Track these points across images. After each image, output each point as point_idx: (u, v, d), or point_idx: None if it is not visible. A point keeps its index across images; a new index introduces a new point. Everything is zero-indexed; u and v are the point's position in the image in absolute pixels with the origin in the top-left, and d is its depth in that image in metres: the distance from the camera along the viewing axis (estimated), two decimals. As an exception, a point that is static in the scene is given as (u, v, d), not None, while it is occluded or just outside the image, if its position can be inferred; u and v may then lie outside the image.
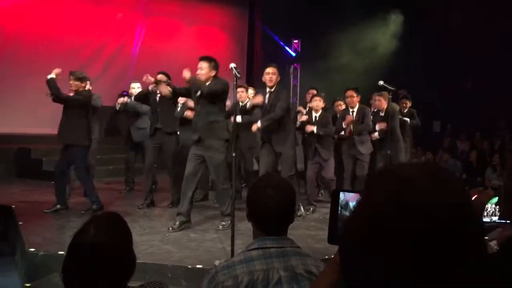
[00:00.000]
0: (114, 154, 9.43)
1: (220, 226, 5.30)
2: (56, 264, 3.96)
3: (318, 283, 1.23)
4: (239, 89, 6.79)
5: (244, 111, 6.49)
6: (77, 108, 5.88)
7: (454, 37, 11.98)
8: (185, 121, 6.32)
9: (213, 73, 5.19)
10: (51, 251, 4.30)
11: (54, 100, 5.94)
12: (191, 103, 6.07)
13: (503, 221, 1.52)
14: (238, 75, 4.53)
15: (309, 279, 1.69)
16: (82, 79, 5.97)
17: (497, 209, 1.54)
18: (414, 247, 0.71)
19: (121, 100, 7.40)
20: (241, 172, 7.09)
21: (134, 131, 7.30)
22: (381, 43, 12.64)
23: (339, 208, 1.20)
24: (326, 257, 3.63)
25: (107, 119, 9.93)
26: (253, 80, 12.32)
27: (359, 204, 0.82)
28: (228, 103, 6.08)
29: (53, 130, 8.84)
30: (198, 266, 4.10)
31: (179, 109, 6.68)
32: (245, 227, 5.04)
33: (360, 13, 11.62)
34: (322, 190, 7.59)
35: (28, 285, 4.08)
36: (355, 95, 6.53)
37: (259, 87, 6.05)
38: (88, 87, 6.36)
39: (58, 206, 5.88)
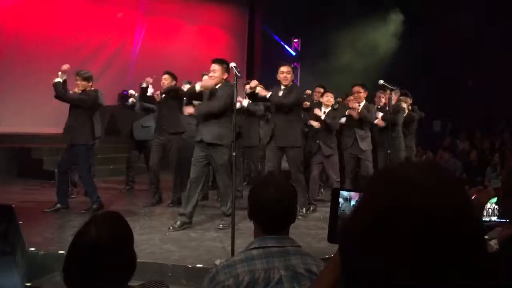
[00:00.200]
0: (114, 153, 9.43)
1: (221, 225, 5.31)
2: (56, 264, 3.96)
3: (319, 282, 1.23)
4: (246, 87, 6.83)
5: (248, 110, 6.57)
6: (84, 108, 5.89)
7: (454, 36, 11.99)
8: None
9: (225, 75, 5.18)
10: (51, 250, 4.30)
11: (57, 97, 5.93)
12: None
13: (503, 220, 1.53)
14: (238, 74, 4.55)
15: (310, 278, 1.69)
16: (88, 79, 5.98)
17: (497, 209, 1.54)
18: (414, 247, 0.71)
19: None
20: (241, 171, 7.10)
21: (138, 129, 7.28)
22: (381, 42, 12.64)
23: (339, 207, 1.20)
24: (327, 256, 3.63)
25: (108, 118, 9.95)
26: (253, 79, 12.31)
27: (359, 203, 0.82)
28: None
29: (53, 129, 8.89)
30: (198, 265, 4.10)
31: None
32: (246, 226, 5.05)
33: (360, 12, 11.61)
34: (323, 189, 7.59)
35: (28, 284, 4.08)
36: (362, 90, 6.58)
37: (269, 85, 6.10)
38: None
39: (59, 205, 5.89)
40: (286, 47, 14.43)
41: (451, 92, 12.60)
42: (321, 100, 6.71)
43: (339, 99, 7.36)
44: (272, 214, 1.75)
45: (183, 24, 12.63)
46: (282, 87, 5.74)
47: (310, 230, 5.35)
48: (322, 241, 4.65)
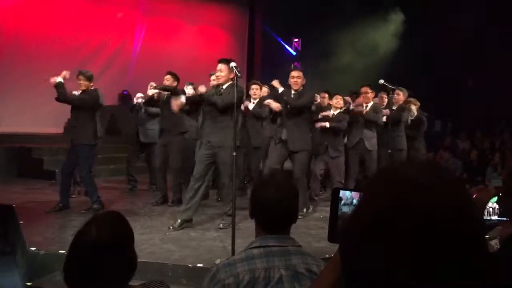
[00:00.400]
0: (115, 153, 9.43)
1: (221, 225, 5.31)
2: (57, 263, 3.97)
3: (319, 282, 1.23)
4: (253, 86, 6.88)
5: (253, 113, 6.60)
6: (85, 108, 5.89)
7: (454, 36, 11.99)
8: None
9: (231, 75, 5.17)
10: (52, 250, 4.30)
11: (58, 99, 5.94)
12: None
13: (503, 219, 1.53)
14: (239, 74, 4.56)
15: (310, 278, 1.69)
16: (90, 79, 5.99)
17: (497, 208, 1.54)
18: (414, 247, 0.71)
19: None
20: (240, 170, 7.10)
21: (143, 132, 7.27)
22: (381, 42, 12.63)
23: (340, 207, 1.21)
24: (327, 256, 3.63)
25: (108, 118, 9.95)
26: (253, 79, 12.32)
27: (360, 203, 0.82)
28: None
29: (53, 129, 8.91)
30: (198, 265, 4.10)
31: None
32: (246, 226, 5.05)
33: (360, 12, 11.61)
34: (323, 190, 7.59)
35: (29, 284, 4.08)
36: (370, 91, 6.63)
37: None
38: None
39: (61, 205, 5.90)
40: (287, 47, 14.43)
41: (451, 92, 12.60)
42: (330, 102, 6.75)
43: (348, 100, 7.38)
44: (273, 213, 1.75)
45: (183, 24, 12.63)
46: (293, 91, 5.80)
47: (310, 229, 5.35)
48: (322, 240, 4.65)
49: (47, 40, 10.11)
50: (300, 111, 5.79)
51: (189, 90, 6.98)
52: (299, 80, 5.79)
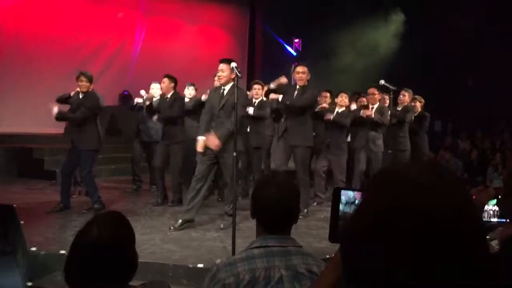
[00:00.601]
0: (115, 153, 9.44)
1: (222, 225, 5.31)
2: (57, 264, 3.97)
3: (319, 282, 1.23)
4: (255, 86, 6.88)
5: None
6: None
7: (454, 36, 11.98)
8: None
9: (233, 75, 5.16)
10: (52, 250, 4.31)
11: (62, 119, 6.01)
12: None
13: (503, 220, 1.53)
14: (239, 74, 4.56)
15: (311, 278, 1.70)
16: (91, 80, 5.99)
17: (496, 211, 1.54)
18: (414, 247, 0.71)
19: (145, 95, 7.12)
20: (241, 171, 7.11)
21: (145, 131, 7.25)
22: (381, 42, 12.63)
23: (342, 206, 1.21)
24: (327, 256, 3.63)
25: (108, 118, 9.94)
26: (254, 79, 12.33)
27: (361, 203, 0.82)
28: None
29: (54, 129, 8.90)
30: (199, 265, 4.10)
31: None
32: (247, 226, 5.06)
33: (361, 12, 11.61)
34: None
35: (29, 284, 4.09)
36: (376, 92, 6.66)
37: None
38: None
39: (61, 205, 5.90)
40: (287, 47, 14.42)
41: (451, 92, 12.60)
42: (336, 100, 6.77)
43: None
44: (273, 214, 1.76)
45: (183, 24, 12.63)
46: (297, 87, 5.81)
47: (311, 230, 5.35)
48: (323, 241, 4.66)
49: (47, 40, 10.11)
50: (303, 110, 5.78)
51: (190, 90, 6.99)
52: (304, 76, 5.78)
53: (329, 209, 1.22)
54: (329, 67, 11.43)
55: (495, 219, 1.53)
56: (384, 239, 0.73)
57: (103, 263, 1.45)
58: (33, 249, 4.33)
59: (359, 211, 0.81)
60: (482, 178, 9.60)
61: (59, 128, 9.12)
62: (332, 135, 6.42)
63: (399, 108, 7.05)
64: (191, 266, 4.11)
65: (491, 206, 1.53)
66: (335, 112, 6.49)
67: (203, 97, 6.47)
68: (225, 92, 5.19)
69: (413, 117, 7.12)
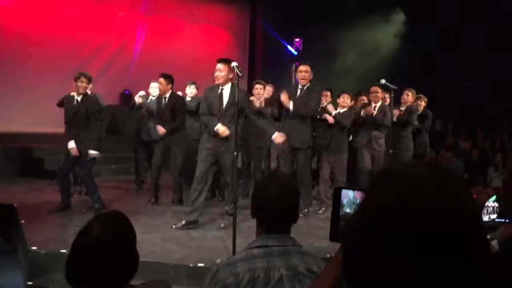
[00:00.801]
0: (115, 152, 9.44)
1: (222, 225, 5.31)
2: (58, 263, 3.97)
3: (320, 281, 1.23)
4: (257, 86, 6.81)
5: (257, 110, 6.58)
6: (87, 116, 5.89)
7: (455, 36, 11.97)
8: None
9: (230, 75, 5.14)
10: (53, 249, 4.31)
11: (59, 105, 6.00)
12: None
13: (503, 220, 1.53)
14: (240, 73, 4.54)
15: (311, 278, 1.70)
16: (91, 80, 6.00)
17: (496, 207, 1.54)
18: (415, 247, 0.71)
19: (142, 93, 7.11)
20: (239, 171, 7.11)
21: (146, 130, 7.23)
22: (383, 42, 12.63)
23: (343, 205, 1.21)
24: (328, 256, 3.64)
25: (109, 117, 9.94)
26: (255, 79, 12.34)
27: (361, 203, 0.82)
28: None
29: (54, 129, 8.89)
30: (200, 264, 4.11)
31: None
32: (247, 225, 5.06)
33: (362, 12, 11.61)
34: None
35: (30, 283, 4.09)
36: (379, 91, 6.63)
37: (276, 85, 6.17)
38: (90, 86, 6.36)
39: (62, 205, 5.91)
40: (288, 46, 14.42)
41: (451, 92, 12.59)
42: (337, 101, 6.76)
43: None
44: (273, 213, 1.76)
45: (184, 24, 12.62)
46: (300, 86, 5.79)
47: (312, 229, 5.35)
48: (323, 240, 4.66)
49: (47, 40, 10.11)
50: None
51: (192, 89, 6.98)
52: (307, 75, 5.76)
53: (329, 209, 1.22)
54: (330, 66, 11.44)
55: (494, 216, 1.53)
56: (386, 239, 0.73)
57: (104, 262, 1.46)
58: (34, 248, 4.33)
59: (360, 211, 0.81)
60: (483, 178, 9.59)
61: (59, 128, 9.12)
62: (332, 134, 6.41)
63: (402, 108, 7.05)
64: (191, 265, 4.11)
65: (491, 203, 1.53)
66: (337, 111, 6.48)
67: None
68: (224, 92, 5.17)
69: (416, 117, 7.13)
